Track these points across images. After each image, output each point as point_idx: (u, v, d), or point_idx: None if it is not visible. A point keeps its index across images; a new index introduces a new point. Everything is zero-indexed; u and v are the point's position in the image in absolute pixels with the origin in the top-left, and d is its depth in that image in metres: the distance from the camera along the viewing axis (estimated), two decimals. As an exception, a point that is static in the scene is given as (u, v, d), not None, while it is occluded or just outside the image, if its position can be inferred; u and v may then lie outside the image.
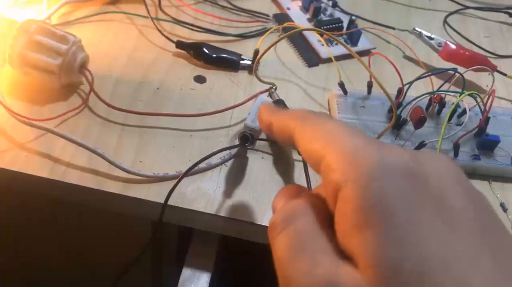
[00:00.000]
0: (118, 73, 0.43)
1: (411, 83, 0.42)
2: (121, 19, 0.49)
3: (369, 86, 0.44)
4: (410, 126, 0.41)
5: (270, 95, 0.41)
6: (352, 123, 0.42)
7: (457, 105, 0.41)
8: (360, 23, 0.52)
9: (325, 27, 0.50)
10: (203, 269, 0.36)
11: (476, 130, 0.41)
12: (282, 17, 0.52)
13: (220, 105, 0.41)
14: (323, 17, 0.53)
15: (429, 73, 0.43)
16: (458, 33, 0.55)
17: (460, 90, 0.41)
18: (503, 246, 0.17)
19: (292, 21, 0.51)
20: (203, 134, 0.40)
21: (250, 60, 0.46)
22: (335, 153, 0.19)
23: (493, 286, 0.16)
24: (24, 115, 0.37)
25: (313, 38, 0.49)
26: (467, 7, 0.59)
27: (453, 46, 0.49)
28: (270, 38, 0.45)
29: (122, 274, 0.39)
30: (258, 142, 0.38)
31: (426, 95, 0.41)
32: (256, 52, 0.45)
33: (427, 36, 0.50)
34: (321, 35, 0.47)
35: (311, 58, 0.48)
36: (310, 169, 0.37)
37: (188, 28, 0.48)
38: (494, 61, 0.50)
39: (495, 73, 0.48)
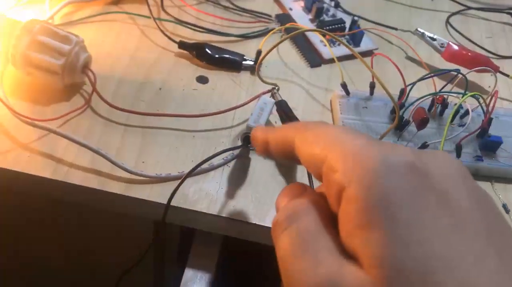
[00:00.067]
0: (121, 73, 0.43)
1: (413, 84, 0.42)
2: (124, 19, 0.49)
3: (372, 86, 0.44)
4: (412, 127, 0.41)
5: (273, 96, 0.41)
6: (355, 124, 0.42)
7: (460, 106, 0.41)
8: (363, 24, 0.52)
9: (327, 27, 0.50)
10: (205, 270, 0.36)
11: (479, 131, 0.41)
12: (284, 18, 0.52)
13: (223, 106, 0.41)
14: (325, 17, 0.53)
15: (432, 74, 0.43)
16: (460, 33, 0.55)
17: (462, 91, 0.41)
18: (509, 247, 0.17)
19: (294, 21, 0.51)
20: (206, 134, 0.40)
21: (253, 61, 0.46)
22: (338, 154, 0.19)
23: None
24: (27, 115, 0.37)
25: (316, 38, 0.49)
26: (469, 8, 0.59)
27: (456, 47, 0.49)
28: (273, 38, 0.45)
29: (125, 274, 0.39)
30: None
31: (428, 96, 0.41)
32: (259, 53, 0.45)
33: (429, 37, 0.50)
34: (324, 35, 0.47)
35: (314, 58, 0.48)
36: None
37: (191, 28, 0.48)
38: (496, 62, 0.50)
39: (498, 74, 0.47)
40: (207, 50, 0.45)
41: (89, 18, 0.48)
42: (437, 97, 0.43)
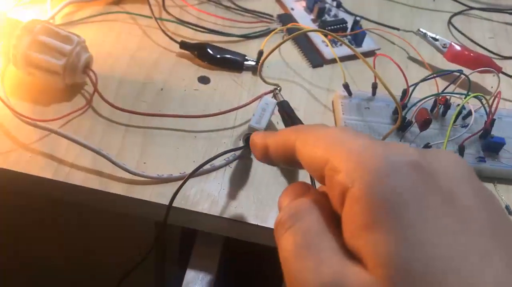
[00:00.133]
0: (122, 74, 0.43)
1: (416, 84, 0.42)
2: (125, 19, 0.49)
3: (374, 87, 0.44)
4: (415, 128, 0.40)
5: (275, 96, 0.41)
6: (357, 124, 0.42)
7: (463, 107, 0.41)
8: (365, 24, 0.52)
9: (329, 27, 0.50)
10: (206, 271, 0.36)
11: (481, 132, 0.41)
12: (286, 18, 0.52)
13: (224, 106, 0.41)
14: (327, 17, 0.52)
15: (434, 75, 0.43)
16: (462, 34, 0.55)
17: (465, 92, 0.41)
18: None
19: (296, 21, 0.51)
20: (207, 135, 0.40)
21: (254, 61, 0.45)
22: (340, 154, 0.19)
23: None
24: (28, 116, 0.37)
25: (318, 38, 0.49)
26: (472, 8, 0.59)
27: (458, 48, 0.49)
28: (274, 38, 0.45)
29: (126, 276, 0.39)
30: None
31: (431, 97, 0.41)
32: (260, 53, 0.45)
33: (431, 37, 0.50)
34: (326, 35, 0.47)
35: (316, 59, 0.48)
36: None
37: (192, 28, 0.48)
38: (499, 63, 0.50)
39: (500, 75, 0.47)
40: (208, 50, 0.45)
41: (90, 18, 0.48)
42: (440, 97, 0.42)
